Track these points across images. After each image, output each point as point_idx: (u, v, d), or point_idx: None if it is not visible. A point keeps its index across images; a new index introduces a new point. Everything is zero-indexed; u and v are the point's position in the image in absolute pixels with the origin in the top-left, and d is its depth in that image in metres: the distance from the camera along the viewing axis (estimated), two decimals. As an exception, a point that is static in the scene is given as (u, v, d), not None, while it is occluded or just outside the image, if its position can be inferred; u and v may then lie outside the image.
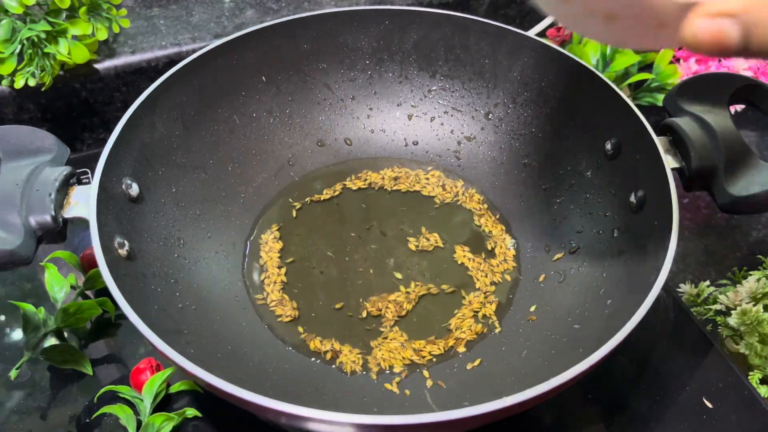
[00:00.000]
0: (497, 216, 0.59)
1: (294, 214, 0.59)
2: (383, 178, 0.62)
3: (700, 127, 0.48)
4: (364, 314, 0.52)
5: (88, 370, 0.51)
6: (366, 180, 0.62)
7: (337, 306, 0.53)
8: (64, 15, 0.62)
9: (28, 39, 0.60)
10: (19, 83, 0.61)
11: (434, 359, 0.50)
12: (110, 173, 0.46)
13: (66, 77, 0.67)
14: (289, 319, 0.52)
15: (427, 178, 0.62)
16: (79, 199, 0.45)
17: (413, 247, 0.57)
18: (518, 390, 0.35)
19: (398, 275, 0.55)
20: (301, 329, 0.51)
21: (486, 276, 0.55)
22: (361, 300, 0.53)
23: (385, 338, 0.51)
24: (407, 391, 0.48)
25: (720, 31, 0.26)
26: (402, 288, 0.53)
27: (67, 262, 0.54)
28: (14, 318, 0.55)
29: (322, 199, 0.60)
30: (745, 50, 0.27)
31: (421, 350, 0.50)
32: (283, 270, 0.55)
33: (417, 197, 0.61)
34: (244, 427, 0.48)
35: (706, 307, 0.57)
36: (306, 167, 0.62)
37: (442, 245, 0.57)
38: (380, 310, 0.52)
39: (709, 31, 0.27)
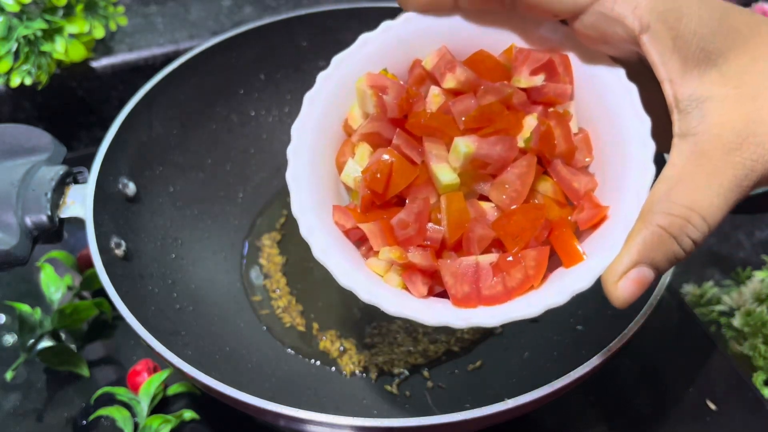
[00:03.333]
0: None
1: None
2: None
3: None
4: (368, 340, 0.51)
5: (85, 371, 0.51)
6: None
7: (336, 307, 0.52)
8: (60, 13, 0.62)
9: (24, 37, 0.60)
10: (14, 82, 0.60)
11: (435, 360, 0.49)
12: (107, 172, 0.46)
13: (62, 75, 0.66)
14: (301, 329, 0.51)
15: None
16: (76, 198, 0.44)
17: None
18: (520, 392, 0.35)
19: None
20: (314, 333, 0.51)
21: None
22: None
23: (390, 344, 0.50)
24: (407, 393, 0.47)
25: (638, 280, 0.30)
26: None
27: (63, 262, 0.54)
28: (10, 319, 0.55)
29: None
30: (661, 272, 0.30)
31: (426, 351, 0.49)
32: (284, 279, 0.54)
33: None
34: (242, 429, 0.48)
35: (710, 308, 0.56)
36: (305, 166, 0.62)
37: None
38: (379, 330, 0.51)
39: (632, 287, 0.30)
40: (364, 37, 0.36)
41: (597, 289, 0.49)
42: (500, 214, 0.32)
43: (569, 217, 0.33)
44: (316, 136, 0.36)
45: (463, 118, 0.32)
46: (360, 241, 0.35)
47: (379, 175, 0.33)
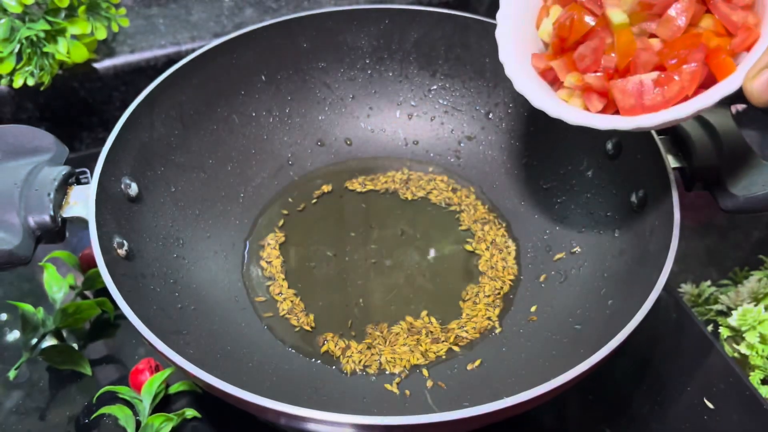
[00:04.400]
0: (497, 216, 0.59)
1: (294, 215, 0.59)
2: (394, 181, 0.61)
3: (701, 127, 0.48)
4: (370, 339, 0.51)
5: (87, 370, 0.51)
6: (375, 182, 0.61)
7: (337, 307, 0.53)
8: (63, 14, 0.62)
9: (26, 38, 0.60)
10: (17, 83, 0.61)
11: (435, 359, 0.49)
12: (109, 173, 0.46)
13: (65, 76, 0.66)
14: (307, 328, 0.51)
15: (434, 181, 0.62)
16: (78, 198, 0.44)
17: (413, 247, 0.57)
18: (518, 391, 0.35)
19: (399, 275, 0.55)
20: (314, 332, 0.51)
21: (487, 277, 0.54)
22: (362, 315, 0.53)
23: (391, 344, 0.50)
24: (407, 392, 0.47)
25: None
26: (408, 318, 0.52)
27: (65, 262, 0.54)
28: (13, 318, 0.55)
29: (323, 192, 0.60)
30: None
31: (427, 351, 0.50)
32: (285, 278, 0.54)
33: (419, 199, 0.61)
34: (243, 427, 0.48)
35: (707, 307, 0.57)
36: (305, 167, 0.62)
37: (442, 245, 0.57)
38: (381, 333, 0.51)
39: (766, 83, 0.34)
40: None
41: (596, 289, 0.49)
42: (664, 44, 0.39)
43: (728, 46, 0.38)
44: (518, 5, 0.45)
45: None
46: (552, 81, 0.44)
47: (564, 24, 0.42)
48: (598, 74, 0.41)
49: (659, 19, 0.39)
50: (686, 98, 0.39)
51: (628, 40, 0.40)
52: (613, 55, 0.40)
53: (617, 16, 0.40)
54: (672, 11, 0.39)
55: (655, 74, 0.39)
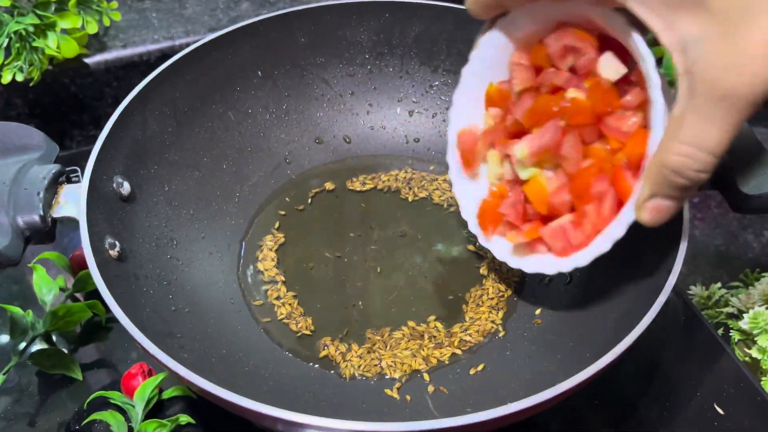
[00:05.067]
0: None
1: (291, 215, 0.58)
2: (396, 180, 0.61)
3: (710, 124, 0.47)
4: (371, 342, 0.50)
5: (78, 375, 0.50)
6: (375, 181, 0.61)
7: (336, 310, 0.52)
8: (53, 8, 0.62)
9: (15, 32, 0.60)
10: (6, 78, 0.61)
11: (437, 364, 0.48)
12: (101, 171, 0.46)
13: (55, 72, 0.66)
14: (306, 332, 0.50)
15: (437, 181, 0.61)
16: (69, 198, 0.44)
17: (413, 248, 0.56)
18: (523, 396, 0.35)
19: (400, 277, 0.54)
20: (313, 336, 0.50)
21: (491, 279, 0.53)
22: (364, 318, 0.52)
23: (392, 348, 0.49)
24: (408, 397, 0.47)
25: (654, 209, 0.36)
26: (411, 323, 0.51)
27: (55, 263, 0.54)
28: (1, 321, 0.54)
29: (322, 192, 0.60)
30: (679, 200, 0.36)
31: (429, 356, 0.49)
32: (282, 280, 0.54)
33: (421, 199, 0.60)
34: (239, 434, 0.47)
35: (718, 309, 0.56)
36: (303, 165, 0.61)
37: (445, 247, 0.56)
38: (382, 336, 0.50)
39: (650, 215, 0.37)
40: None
41: (602, 291, 0.48)
42: (569, 178, 0.42)
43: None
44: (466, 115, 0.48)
45: (522, 119, 0.43)
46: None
47: (493, 192, 0.47)
48: (519, 233, 0.45)
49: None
50: (599, 231, 0.41)
51: (537, 189, 0.43)
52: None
53: (523, 172, 0.43)
54: (564, 148, 0.41)
55: (569, 217, 0.42)
